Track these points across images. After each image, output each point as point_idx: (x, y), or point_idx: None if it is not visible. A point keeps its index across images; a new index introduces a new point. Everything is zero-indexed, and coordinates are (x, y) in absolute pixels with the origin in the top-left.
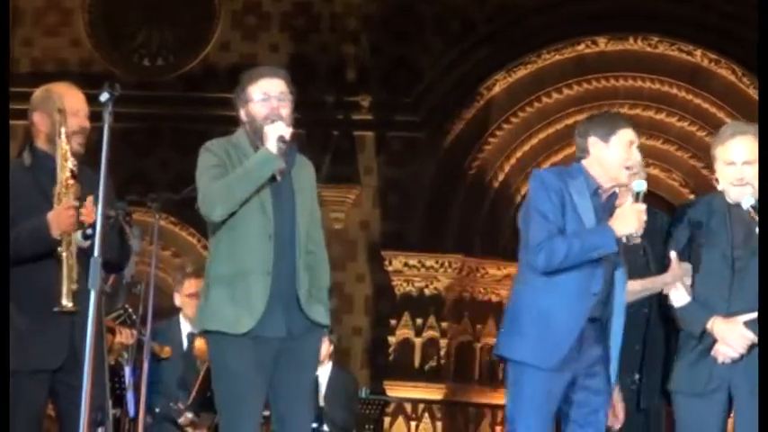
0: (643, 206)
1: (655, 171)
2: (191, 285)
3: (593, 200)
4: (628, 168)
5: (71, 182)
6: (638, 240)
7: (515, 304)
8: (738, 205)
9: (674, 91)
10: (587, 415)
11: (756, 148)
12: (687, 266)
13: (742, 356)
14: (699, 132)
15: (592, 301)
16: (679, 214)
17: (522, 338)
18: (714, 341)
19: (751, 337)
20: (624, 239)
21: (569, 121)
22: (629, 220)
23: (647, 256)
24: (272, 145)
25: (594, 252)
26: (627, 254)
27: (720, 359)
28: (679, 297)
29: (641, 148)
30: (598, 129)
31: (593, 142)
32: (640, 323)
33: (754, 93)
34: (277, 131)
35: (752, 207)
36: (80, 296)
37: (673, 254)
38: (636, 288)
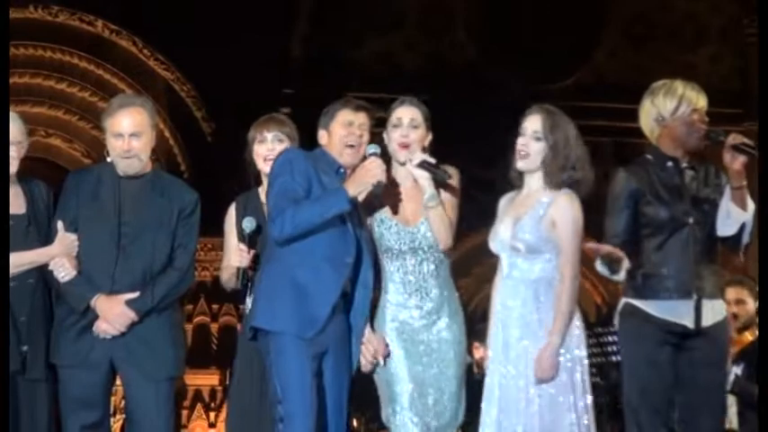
0: (372, 160)
1: (57, 141)
2: None
3: (338, 178)
4: (350, 147)
5: None
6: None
7: (268, 280)
8: (130, 178)
9: (76, 61)
10: (342, 382)
11: (131, 121)
12: (73, 238)
13: (124, 333)
14: (100, 103)
15: (346, 269)
16: (68, 185)
17: (281, 310)
18: (97, 316)
19: (132, 315)
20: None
21: None
22: (358, 177)
23: (31, 227)
24: None
25: (328, 212)
26: (18, 230)
27: (101, 335)
28: (64, 271)
29: (41, 118)
30: (322, 120)
31: (322, 135)
32: (26, 294)
33: (154, 64)
34: None
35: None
36: None
37: (60, 225)
38: (24, 260)
